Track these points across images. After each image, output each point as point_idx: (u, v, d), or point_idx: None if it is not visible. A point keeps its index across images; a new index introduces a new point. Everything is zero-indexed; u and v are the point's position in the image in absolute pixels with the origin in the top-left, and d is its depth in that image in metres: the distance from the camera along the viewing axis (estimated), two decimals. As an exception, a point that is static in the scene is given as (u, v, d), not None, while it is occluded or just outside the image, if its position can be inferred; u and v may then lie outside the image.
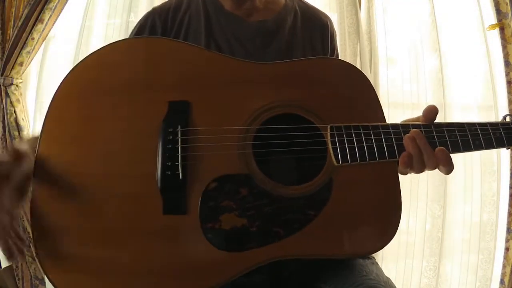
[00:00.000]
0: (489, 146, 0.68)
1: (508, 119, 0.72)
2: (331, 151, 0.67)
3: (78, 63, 0.67)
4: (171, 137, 0.64)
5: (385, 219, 0.66)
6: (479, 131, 0.68)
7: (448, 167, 0.66)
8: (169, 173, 0.62)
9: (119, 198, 0.62)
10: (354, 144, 0.67)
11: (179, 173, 0.62)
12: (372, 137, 0.68)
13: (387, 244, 0.66)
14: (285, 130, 0.67)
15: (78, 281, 0.60)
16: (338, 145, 0.67)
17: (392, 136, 0.68)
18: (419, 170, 0.68)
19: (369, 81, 0.74)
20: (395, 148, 0.67)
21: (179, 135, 0.64)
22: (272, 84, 0.71)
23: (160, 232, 0.61)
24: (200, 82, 0.68)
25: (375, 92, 0.73)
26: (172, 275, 0.60)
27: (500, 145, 0.68)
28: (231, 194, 0.63)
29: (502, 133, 0.68)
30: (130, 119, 0.65)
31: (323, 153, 0.68)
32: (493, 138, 0.68)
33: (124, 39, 0.74)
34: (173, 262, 0.60)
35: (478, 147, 0.68)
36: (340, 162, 0.66)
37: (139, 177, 0.62)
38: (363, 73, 0.75)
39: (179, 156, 0.63)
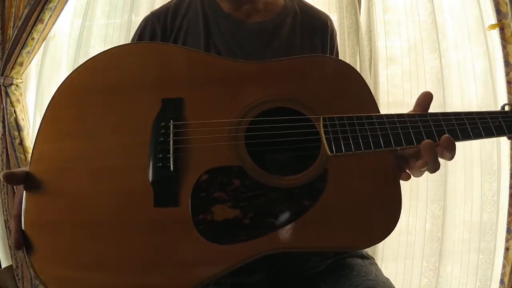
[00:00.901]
0: (489, 134, 0.67)
1: (507, 108, 0.71)
2: (325, 141, 0.66)
3: (77, 67, 0.69)
4: (163, 131, 0.64)
5: (383, 211, 0.65)
6: (477, 120, 0.68)
7: (452, 153, 0.65)
8: (161, 165, 0.62)
9: (111, 192, 0.62)
10: (347, 134, 0.66)
11: (170, 165, 0.62)
12: (366, 127, 0.67)
13: (386, 237, 0.64)
14: (277, 122, 0.67)
15: (69, 276, 0.60)
16: (332, 135, 0.67)
17: (387, 125, 0.67)
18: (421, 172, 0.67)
19: (361, 76, 0.74)
20: (391, 137, 0.66)
21: (171, 129, 0.65)
22: (265, 81, 0.72)
23: (151, 225, 0.60)
24: (194, 81, 0.70)
25: (367, 86, 0.73)
26: (163, 268, 0.59)
27: (500, 133, 0.67)
28: (223, 185, 0.62)
29: (502, 121, 0.68)
30: (124, 117, 0.67)
31: (317, 144, 0.67)
32: (492, 127, 0.67)
33: (121, 45, 0.75)
34: (165, 255, 0.60)
35: (477, 135, 0.67)
36: (334, 152, 0.66)
37: (131, 171, 0.63)
38: (355, 69, 0.75)
39: (171, 148, 0.63)
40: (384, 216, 0.65)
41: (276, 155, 0.70)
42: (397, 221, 0.64)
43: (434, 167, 0.65)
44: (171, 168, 0.62)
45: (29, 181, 0.63)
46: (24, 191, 0.63)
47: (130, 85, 0.69)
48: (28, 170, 0.63)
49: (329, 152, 0.66)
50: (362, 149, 0.66)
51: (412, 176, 0.69)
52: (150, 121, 0.65)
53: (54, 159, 0.64)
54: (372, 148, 0.66)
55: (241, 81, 0.71)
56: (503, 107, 0.71)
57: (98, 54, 0.71)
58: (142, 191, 0.61)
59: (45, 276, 0.59)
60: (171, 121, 0.65)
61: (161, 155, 0.63)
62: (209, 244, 0.60)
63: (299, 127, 0.67)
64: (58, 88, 0.68)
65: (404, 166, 0.69)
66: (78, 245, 0.60)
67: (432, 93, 0.73)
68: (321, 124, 0.67)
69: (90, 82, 0.69)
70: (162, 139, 0.64)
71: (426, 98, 0.71)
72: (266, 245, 0.61)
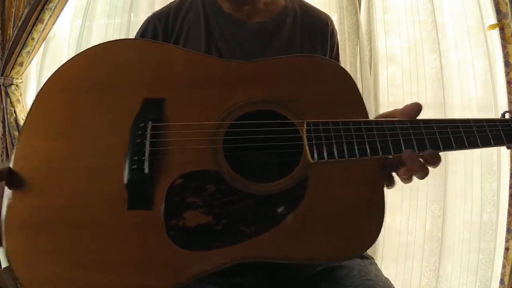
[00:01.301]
0: (486, 144, 0.63)
1: (507, 115, 0.67)
2: (307, 148, 0.64)
3: (64, 63, 0.69)
4: (140, 132, 0.63)
5: (366, 221, 0.63)
6: (473, 128, 0.64)
7: (437, 165, 0.63)
8: (136, 167, 0.61)
9: (87, 192, 0.61)
10: (332, 140, 0.63)
11: (145, 168, 0.61)
12: (353, 133, 0.64)
13: (369, 247, 0.62)
14: (259, 126, 0.65)
15: (41, 276, 0.59)
16: (315, 141, 0.64)
17: (375, 132, 0.64)
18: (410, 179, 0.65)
19: (351, 78, 0.71)
20: (378, 144, 0.63)
21: (148, 130, 0.64)
22: (250, 82, 0.70)
23: (123, 228, 0.60)
24: (177, 81, 0.69)
25: (357, 89, 0.70)
26: (132, 272, 0.58)
27: (498, 143, 0.63)
28: (198, 190, 0.61)
29: (500, 130, 0.64)
30: (106, 116, 0.66)
31: (299, 150, 0.65)
32: (490, 136, 0.63)
33: (112, 41, 0.74)
34: (134, 259, 0.59)
35: (473, 145, 0.63)
36: (316, 159, 0.63)
37: (108, 172, 0.62)
38: (345, 70, 0.72)
39: (147, 150, 0.62)
40: (367, 226, 0.62)
41: (255, 161, 0.68)
42: (380, 231, 0.62)
43: (421, 175, 0.63)
44: (146, 171, 0.61)
45: (12, 178, 0.62)
46: (6, 187, 0.62)
47: (115, 83, 0.68)
48: (9, 166, 0.62)
49: (310, 159, 0.63)
50: (346, 157, 0.63)
51: (401, 181, 0.67)
52: (130, 121, 0.64)
53: (35, 157, 0.63)
54: (357, 156, 0.63)
55: (227, 82, 0.70)
56: (503, 115, 0.68)
57: (86, 50, 0.70)
58: (117, 193, 0.60)
59: (22, 275, 0.58)
60: (150, 122, 0.64)
61: (136, 157, 0.62)
62: (179, 250, 0.58)
63: (281, 131, 0.65)
64: (45, 83, 0.68)
65: (393, 172, 0.66)
66: (53, 244, 0.60)
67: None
68: (305, 129, 0.65)
69: (75, 80, 0.68)
70: (139, 140, 0.63)
71: (414, 110, 0.67)
72: (240, 253, 0.59)
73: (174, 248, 0.58)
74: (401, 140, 0.63)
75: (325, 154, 0.63)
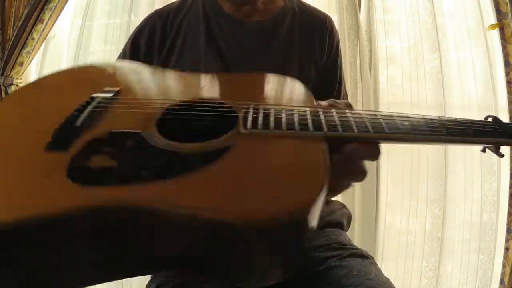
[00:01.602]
0: (464, 135, 0.60)
1: (489, 120, 0.65)
2: (241, 118, 0.61)
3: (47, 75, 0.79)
4: (90, 100, 0.70)
5: (291, 189, 0.53)
6: (446, 122, 0.62)
7: (373, 156, 0.58)
8: (72, 120, 0.65)
9: (19, 142, 0.65)
10: (269, 115, 0.60)
11: (79, 121, 0.65)
12: (295, 112, 0.60)
13: (302, 211, 0.51)
14: (203, 108, 0.67)
15: None
16: (252, 115, 0.60)
17: (320, 114, 0.60)
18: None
19: (307, 91, 0.71)
20: (323, 123, 0.58)
21: (97, 101, 0.69)
22: (204, 87, 0.75)
23: (31, 164, 0.60)
24: (135, 84, 0.78)
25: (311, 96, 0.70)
26: (15, 197, 0.56)
27: (479, 135, 0.61)
28: (116, 144, 0.63)
29: (482, 127, 0.61)
30: (65, 98, 0.73)
31: (234, 122, 0.62)
32: (467, 129, 0.61)
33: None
34: (26, 186, 0.58)
35: (450, 134, 0.60)
36: (248, 127, 0.58)
37: (48, 125, 0.66)
38: (300, 83, 0.73)
39: (88, 110, 0.67)
40: (296, 190, 0.53)
41: (188, 131, 0.69)
42: (315, 197, 0.51)
43: (357, 180, 0.59)
44: (78, 124, 0.65)
45: None
46: None
47: (84, 85, 0.77)
48: None
49: (242, 129, 0.59)
50: (283, 129, 0.57)
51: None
52: (85, 99, 0.71)
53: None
54: (297, 129, 0.57)
55: (181, 86, 0.76)
56: (485, 119, 0.66)
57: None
58: (42, 139, 0.63)
59: None
60: (101, 98, 0.70)
61: (76, 113, 0.66)
62: (68, 181, 0.56)
63: (222, 109, 0.65)
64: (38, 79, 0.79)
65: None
66: None
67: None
68: (244, 107, 0.63)
69: (49, 82, 0.79)
70: (85, 104, 0.69)
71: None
72: (130, 194, 0.54)
73: (63, 179, 0.56)
74: (353, 122, 0.59)
75: (259, 125, 0.59)
